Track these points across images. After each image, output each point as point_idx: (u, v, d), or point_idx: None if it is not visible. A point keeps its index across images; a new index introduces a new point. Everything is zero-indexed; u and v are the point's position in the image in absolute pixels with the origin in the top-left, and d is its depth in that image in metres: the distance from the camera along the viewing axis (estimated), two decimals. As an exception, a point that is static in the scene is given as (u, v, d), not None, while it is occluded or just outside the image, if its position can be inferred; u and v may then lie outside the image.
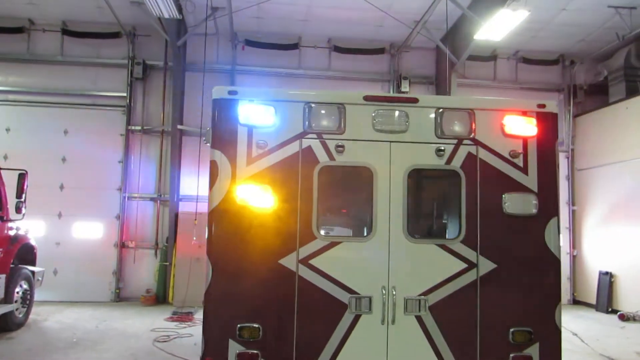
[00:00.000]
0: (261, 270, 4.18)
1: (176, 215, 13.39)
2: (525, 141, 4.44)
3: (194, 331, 10.49)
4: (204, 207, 13.41)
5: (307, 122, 4.31)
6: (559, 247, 4.38)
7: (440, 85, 14.60)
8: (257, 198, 4.19)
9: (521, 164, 4.41)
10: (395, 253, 4.27)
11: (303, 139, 4.30)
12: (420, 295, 4.24)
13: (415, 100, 4.47)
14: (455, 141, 4.40)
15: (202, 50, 14.25)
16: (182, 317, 11.59)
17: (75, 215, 13.42)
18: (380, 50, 14.74)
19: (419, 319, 4.23)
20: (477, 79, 14.76)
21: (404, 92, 14.35)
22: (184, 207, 13.64)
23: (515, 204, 4.35)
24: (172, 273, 13.15)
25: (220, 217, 4.18)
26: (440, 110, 4.42)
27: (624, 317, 11.72)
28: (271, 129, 4.28)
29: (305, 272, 4.18)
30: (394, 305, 4.20)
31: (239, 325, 4.10)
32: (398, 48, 14.66)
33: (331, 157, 4.31)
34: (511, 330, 4.25)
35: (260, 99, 4.31)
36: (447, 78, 13.79)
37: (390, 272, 4.25)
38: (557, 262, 4.36)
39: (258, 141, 4.26)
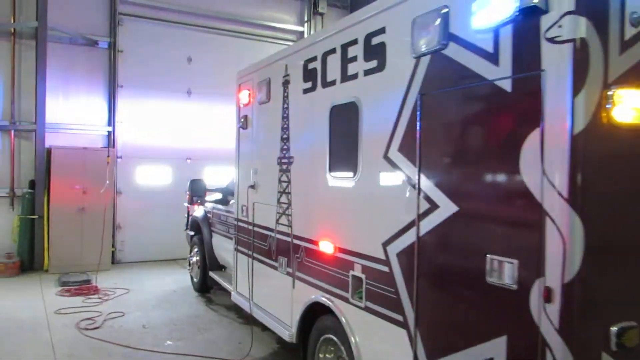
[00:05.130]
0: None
1: (48, 151, 9.65)
2: None
3: (120, 307, 7.71)
4: (82, 140, 10.05)
5: None
6: None
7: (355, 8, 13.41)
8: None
9: None
10: None
11: None
12: None
13: None
14: None
15: None
16: (82, 288, 8.52)
17: None
18: (301, -38, 12.63)
19: None
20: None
21: (321, 13, 12.78)
22: (53, 140, 9.95)
23: None
24: (45, 230, 9.57)
25: (597, 148, 2.33)
26: None
27: None
28: (645, -5, 2.51)
29: None
30: None
31: (615, 328, 2.41)
32: (320, -38, 12.76)
33: None
34: None
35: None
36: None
37: None
38: None
39: (633, 13, 2.45)
